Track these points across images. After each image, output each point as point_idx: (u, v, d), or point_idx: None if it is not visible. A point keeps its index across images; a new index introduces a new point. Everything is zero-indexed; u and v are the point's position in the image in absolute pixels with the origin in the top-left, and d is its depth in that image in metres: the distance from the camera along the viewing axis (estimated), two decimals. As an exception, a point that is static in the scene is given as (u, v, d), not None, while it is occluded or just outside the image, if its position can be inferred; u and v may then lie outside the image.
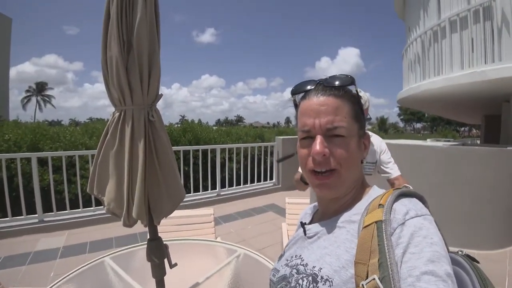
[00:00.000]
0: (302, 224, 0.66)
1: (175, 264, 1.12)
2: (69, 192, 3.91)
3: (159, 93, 1.08)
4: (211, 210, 2.33)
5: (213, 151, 5.23)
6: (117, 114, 1.00)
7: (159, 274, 1.12)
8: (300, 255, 0.59)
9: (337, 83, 0.57)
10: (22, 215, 3.56)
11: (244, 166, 5.62)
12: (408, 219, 0.44)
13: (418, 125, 77.82)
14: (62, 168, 3.86)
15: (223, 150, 5.47)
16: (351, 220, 0.54)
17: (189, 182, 4.81)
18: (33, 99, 61.94)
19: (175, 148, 4.74)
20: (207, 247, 1.72)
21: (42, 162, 4.65)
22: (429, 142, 4.94)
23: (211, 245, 1.74)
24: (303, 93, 0.61)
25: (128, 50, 0.95)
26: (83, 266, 1.41)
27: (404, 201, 0.48)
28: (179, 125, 9.94)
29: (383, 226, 0.44)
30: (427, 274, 0.37)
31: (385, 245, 0.41)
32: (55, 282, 1.26)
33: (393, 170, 1.69)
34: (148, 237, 1.12)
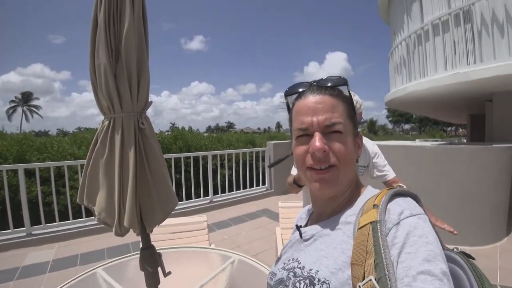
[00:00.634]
0: (298, 227, 0.66)
1: (169, 273, 1.11)
2: (58, 204, 3.81)
3: (149, 100, 1.08)
4: (204, 217, 2.31)
5: (205, 158, 5.21)
6: (106, 122, 0.99)
7: (153, 283, 1.10)
8: (297, 258, 0.59)
9: (331, 83, 0.59)
10: (9, 229, 3.44)
11: (236, 172, 5.60)
12: (402, 219, 0.44)
13: (407, 126, 79.22)
14: (51, 179, 3.77)
15: (214, 157, 5.46)
16: (347, 221, 0.54)
17: (181, 190, 4.78)
18: (19, 109, 60.63)
19: (166, 155, 4.70)
20: (201, 254, 1.70)
21: (29, 173, 4.53)
22: (417, 143, 5.04)
23: (205, 252, 1.72)
24: (297, 94, 0.62)
25: (117, 58, 0.95)
26: (74, 279, 1.37)
27: (399, 200, 0.48)
28: (169, 133, 9.87)
29: (378, 226, 0.44)
30: (423, 273, 0.37)
31: (381, 245, 0.42)
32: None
33: (389, 172, 1.69)
34: (141, 246, 1.10)
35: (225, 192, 5.41)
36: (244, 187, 5.78)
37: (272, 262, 2.54)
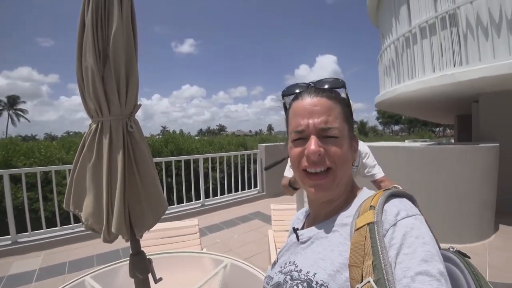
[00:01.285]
0: (295, 230, 0.65)
1: (160, 279, 1.08)
2: (45, 210, 3.71)
3: (138, 103, 1.06)
4: (195, 221, 2.29)
5: (196, 161, 5.18)
6: (94, 126, 0.97)
7: (143, 290, 1.07)
8: (294, 261, 0.58)
9: (328, 85, 0.59)
10: (-7, 237, 3.33)
11: (228, 175, 5.56)
12: (399, 220, 0.44)
13: (396, 128, 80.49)
14: (37, 185, 3.67)
15: (206, 160, 5.43)
16: (343, 223, 0.54)
17: (173, 194, 4.72)
18: (5, 113, 59.07)
19: (157, 159, 4.64)
20: (192, 259, 1.68)
21: (15, 179, 4.41)
22: (407, 143, 5.12)
23: (197, 256, 1.70)
24: (294, 95, 0.62)
25: (104, 60, 0.93)
26: (61, 288, 1.33)
27: (395, 201, 0.49)
28: (160, 136, 9.78)
29: (375, 227, 0.44)
30: (421, 274, 0.38)
31: (378, 246, 0.42)
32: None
33: (378, 171, 1.73)
34: (131, 252, 1.08)
35: (217, 196, 5.36)
36: (236, 190, 5.74)
37: (265, 265, 2.52)
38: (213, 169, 6.00)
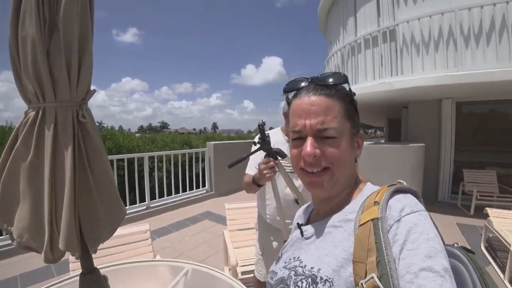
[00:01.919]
0: (299, 225, 0.64)
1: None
2: None
3: (91, 88, 0.87)
4: (146, 226, 2.06)
5: (140, 160, 4.75)
6: (32, 114, 0.76)
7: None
8: (299, 257, 0.57)
9: (329, 81, 0.56)
10: None
11: (175, 175, 5.24)
12: (403, 216, 0.44)
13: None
14: None
15: (151, 159, 5.01)
16: (347, 219, 0.53)
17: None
18: None
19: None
20: (149, 268, 1.49)
21: None
22: None
23: (153, 265, 1.51)
24: (295, 92, 0.60)
25: (51, 31, 0.73)
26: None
27: (399, 197, 0.48)
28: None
29: (380, 223, 0.43)
30: (425, 270, 0.37)
31: (382, 242, 0.41)
32: None
33: None
34: (82, 270, 0.88)
35: (163, 197, 5.01)
36: (184, 190, 5.45)
37: (221, 266, 2.42)
38: (159, 168, 5.60)
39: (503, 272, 2.49)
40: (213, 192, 5.82)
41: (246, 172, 1.62)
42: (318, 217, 0.62)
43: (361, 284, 0.40)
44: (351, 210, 0.54)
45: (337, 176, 0.54)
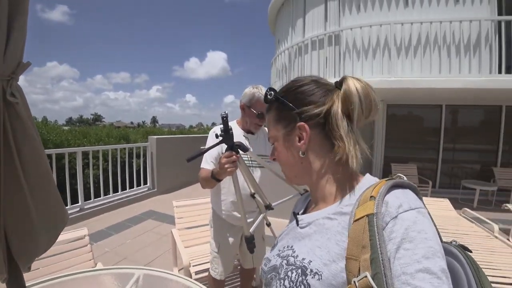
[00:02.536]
0: (295, 214, 0.64)
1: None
2: None
3: (24, 61, 0.69)
4: (84, 230, 1.80)
5: (72, 156, 4.19)
6: None
7: None
8: (292, 246, 0.58)
9: (266, 101, 0.63)
10: None
11: (112, 172, 4.76)
12: (401, 213, 0.43)
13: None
14: None
15: (84, 154, 4.45)
16: (342, 212, 0.52)
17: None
18: None
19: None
20: (91, 279, 1.29)
21: None
22: None
23: (97, 275, 1.32)
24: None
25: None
26: None
27: (397, 192, 0.46)
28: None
29: (375, 219, 0.42)
30: (422, 271, 0.37)
31: (377, 240, 0.40)
32: None
33: None
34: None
35: (100, 196, 4.49)
36: (123, 188, 4.97)
37: (169, 267, 2.29)
38: (94, 165, 5.04)
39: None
40: (155, 189, 5.46)
41: (202, 166, 1.54)
42: (314, 208, 0.62)
43: (354, 282, 0.39)
44: (347, 203, 0.53)
45: (287, 172, 0.64)
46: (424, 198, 0.53)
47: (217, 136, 1.18)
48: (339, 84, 0.56)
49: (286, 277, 0.52)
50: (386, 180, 0.49)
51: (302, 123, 0.56)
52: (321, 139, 0.56)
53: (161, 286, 1.29)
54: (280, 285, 0.52)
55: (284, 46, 6.64)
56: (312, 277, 0.47)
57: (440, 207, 3.26)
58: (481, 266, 0.46)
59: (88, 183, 4.28)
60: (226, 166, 1.17)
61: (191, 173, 6.50)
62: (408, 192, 0.48)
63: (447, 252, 0.47)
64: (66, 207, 3.91)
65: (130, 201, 4.88)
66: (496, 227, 2.60)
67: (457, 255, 0.48)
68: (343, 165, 0.55)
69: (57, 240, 1.60)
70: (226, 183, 1.44)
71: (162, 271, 1.33)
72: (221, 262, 1.70)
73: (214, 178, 1.34)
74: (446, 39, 4.45)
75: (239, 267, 2.13)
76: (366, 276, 0.38)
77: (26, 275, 0.76)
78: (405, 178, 0.53)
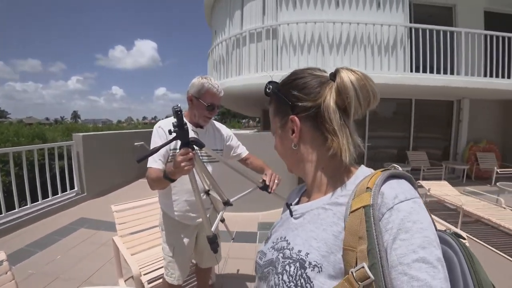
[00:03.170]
0: (288, 205, 0.65)
1: None
2: None
3: None
4: (1, 255, 1.47)
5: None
6: None
7: None
8: (285, 237, 0.58)
9: (265, 93, 0.65)
10: None
11: (29, 178, 4.04)
12: (397, 203, 0.43)
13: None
14: None
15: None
16: (338, 202, 0.52)
17: None
18: None
19: None
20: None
21: None
22: (241, 131, 6.00)
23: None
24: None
25: None
26: None
27: (393, 183, 0.47)
28: None
29: (371, 211, 0.43)
30: (418, 261, 0.38)
31: (374, 231, 0.41)
32: None
33: (243, 150, 1.80)
34: None
35: (15, 209, 3.77)
36: (44, 196, 4.26)
37: (113, 280, 2.11)
38: (0, 171, 4.24)
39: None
40: (85, 193, 4.88)
41: (150, 166, 1.41)
42: (308, 199, 0.62)
43: (351, 272, 0.40)
44: (342, 193, 0.53)
45: (286, 162, 0.66)
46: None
47: (170, 132, 1.07)
48: (333, 76, 0.55)
49: (285, 271, 0.51)
50: (381, 171, 0.50)
51: (293, 116, 0.57)
52: (313, 132, 0.57)
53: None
54: (279, 280, 0.51)
55: (222, 37, 6.55)
56: (311, 270, 0.47)
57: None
58: None
59: (1, 191, 3.56)
60: (182, 164, 1.08)
61: (126, 172, 6.00)
62: (403, 182, 0.49)
63: (442, 241, 0.48)
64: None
65: (55, 210, 4.28)
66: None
67: (451, 243, 0.49)
68: (337, 157, 0.55)
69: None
70: (178, 182, 1.34)
71: (107, 287, 1.21)
72: (178, 266, 1.62)
73: (167, 178, 1.23)
74: (370, 39, 5.09)
75: (193, 267, 2.06)
76: (363, 267, 0.39)
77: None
78: (400, 169, 0.56)
